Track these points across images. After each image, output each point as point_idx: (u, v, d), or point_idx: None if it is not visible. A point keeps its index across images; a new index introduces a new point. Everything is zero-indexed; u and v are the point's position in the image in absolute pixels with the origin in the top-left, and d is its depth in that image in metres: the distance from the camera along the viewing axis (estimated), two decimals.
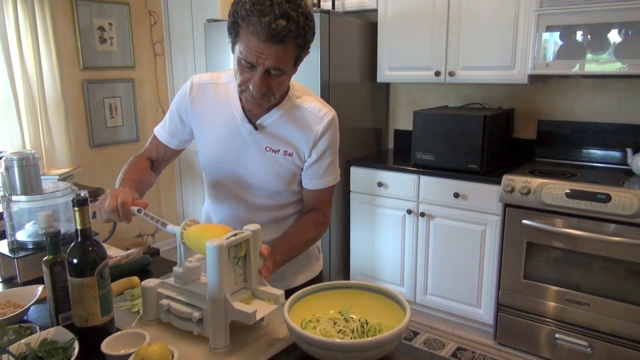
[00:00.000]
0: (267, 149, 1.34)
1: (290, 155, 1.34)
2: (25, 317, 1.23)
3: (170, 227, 1.17)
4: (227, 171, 1.39)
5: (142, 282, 1.17)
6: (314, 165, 1.36)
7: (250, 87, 1.20)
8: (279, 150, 1.34)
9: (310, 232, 1.42)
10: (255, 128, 1.33)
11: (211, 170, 1.43)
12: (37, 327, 1.12)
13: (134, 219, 1.21)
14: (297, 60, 1.23)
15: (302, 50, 1.21)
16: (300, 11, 1.14)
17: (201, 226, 1.15)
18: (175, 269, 1.16)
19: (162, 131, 1.49)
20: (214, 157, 1.40)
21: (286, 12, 1.11)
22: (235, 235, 1.07)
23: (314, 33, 1.21)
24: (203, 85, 1.40)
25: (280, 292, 1.09)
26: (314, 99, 1.38)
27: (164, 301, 1.14)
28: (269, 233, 1.40)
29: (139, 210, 1.16)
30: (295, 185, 1.41)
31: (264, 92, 1.21)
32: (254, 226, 1.13)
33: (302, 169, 1.38)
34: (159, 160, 1.52)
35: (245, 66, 1.18)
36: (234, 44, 1.20)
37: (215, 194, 1.46)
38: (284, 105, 1.33)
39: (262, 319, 1.15)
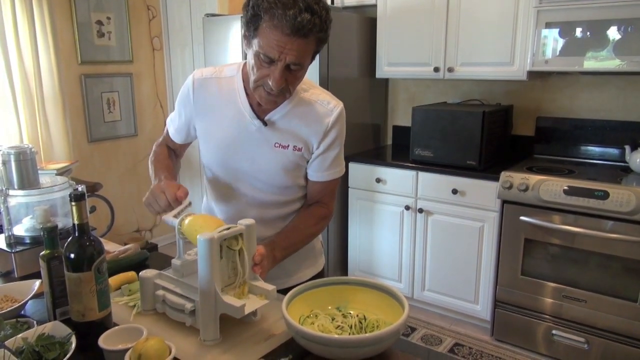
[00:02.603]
0: (277, 145, 1.32)
1: (300, 150, 1.33)
2: (22, 312, 1.23)
3: (170, 220, 1.17)
4: (234, 168, 1.37)
5: (140, 273, 1.19)
6: (320, 157, 1.35)
7: (270, 83, 1.17)
8: (288, 146, 1.32)
9: (312, 227, 1.41)
10: (265, 124, 1.31)
11: (216, 167, 1.41)
12: (35, 322, 1.11)
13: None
14: (315, 55, 1.22)
15: (321, 44, 1.19)
16: (322, 5, 1.13)
17: (198, 218, 1.15)
18: (174, 261, 1.17)
19: (171, 124, 1.49)
20: (220, 154, 1.37)
21: (310, 6, 1.09)
22: (229, 229, 1.07)
23: (330, 27, 1.19)
24: (205, 80, 1.37)
25: (271, 287, 1.10)
26: (321, 91, 1.37)
27: (160, 292, 1.15)
28: (276, 229, 1.39)
29: (190, 203, 1.22)
30: (302, 179, 1.40)
31: (281, 88, 1.19)
32: (248, 221, 1.12)
33: (308, 162, 1.37)
34: (175, 149, 1.54)
35: (265, 61, 1.15)
36: (252, 37, 1.17)
37: (220, 191, 1.43)
38: (292, 100, 1.31)
39: (254, 314, 1.15)
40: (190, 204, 1.22)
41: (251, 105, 1.31)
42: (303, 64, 1.18)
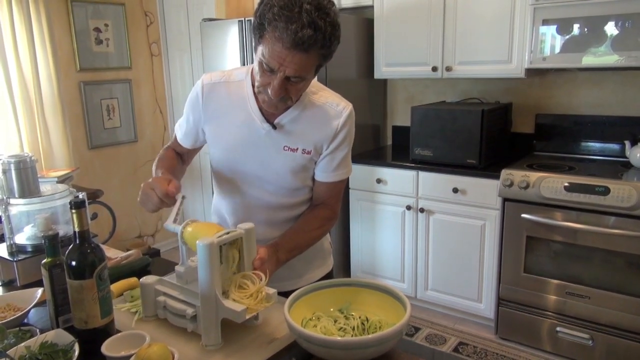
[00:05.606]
0: (286, 148, 1.33)
1: (309, 153, 1.33)
2: (25, 320, 1.23)
3: (172, 227, 1.17)
4: (243, 171, 1.38)
5: (141, 279, 1.19)
6: (328, 157, 1.35)
7: (269, 91, 1.19)
8: (297, 149, 1.33)
9: (316, 230, 1.41)
10: (274, 127, 1.32)
11: (226, 170, 1.41)
12: (37, 330, 1.12)
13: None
14: (318, 68, 1.22)
15: (325, 59, 1.19)
16: (329, 20, 1.11)
17: (200, 225, 1.15)
18: (177, 268, 1.17)
19: (179, 129, 1.48)
20: (229, 158, 1.38)
21: (314, 21, 1.08)
22: (228, 233, 1.08)
23: (338, 42, 1.18)
24: (214, 84, 1.37)
25: (273, 291, 1.10)
26: (330, 93, 1.37)
27: (161, 298, 1.16)
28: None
29: (183, 197, 1.21)
30: (310, 180, 1.41)
31: (281, 97, 1.20)
32: (248, 225, 1.13)
33: (316, 163, 1.37)
34: (183, 154, 1.54)
35: (266, 69, 1.16)
36: (257, 44, 1.18)
37: (229, 194, 1.44)
38: (301, 103, 1.31)
39: (256, 318, 1.15)
40: (184, 197, 1.21)
41: (260, 109, 1.32)
42: (303, 77, 1.18)
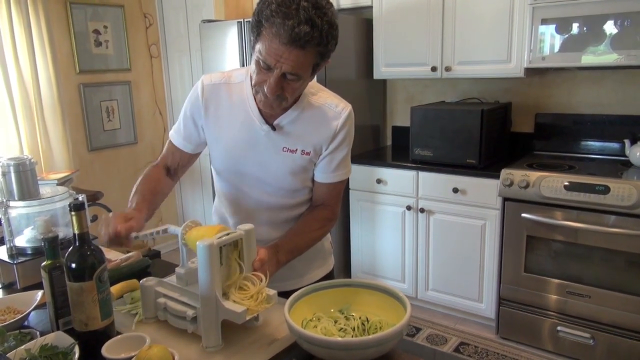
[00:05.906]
0: (285, 149, 1.33)
1: (308, 154, 1.33)
2: (25, 323, 1.23)
3: (172, 229, 1.17)
4: (243, 173, 1.38)
5: (141, 281, 1.19)
6: (327, 158, 1.36)
7: (265, 89, 1.19)
8: (296, 150, 1.33)
9: (316, 231, 1.42)
10: (273, 129, 1.32)
11: (226, 172, 1.42)
12: (38, 333, 1.12)
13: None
14: (316, 68, 1.22)
15: (322, 58, 1.19)
16: (326, 19, 1.12)
17: (201, 228, 1.15)
18: (178, 269, 1.17)
19: (176, 135, 1.45)
20: (229, 159, 1.38)
21: (311, 18, 1.09)
22: (228, 234, 1.08)
23: (336, 43, 1.19)
24: (214, 85, 1.37)
25: (273, 292, 1.10)
26: (329, 94, 1.38)
27: (161, 300, 1.16)
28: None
29: (135, 237, 1.17)
30: (310, 181, 1.41)
31: (277, 95, 1.20)
32: (247, 226, 1.13)
33: (315, 164, 1.38)
34: (176, 166, 1.49)
35: (263, 67, 1.17)
36: (254, 42, 1.18)
37: (231, 196, 1.44)
38: (300, 104, 1.32)
39: (256, 319, 1.15)
40: (136, 237, 1.17)
41: (260, 110, 1.32)
42: (300, 75, 1.18)
